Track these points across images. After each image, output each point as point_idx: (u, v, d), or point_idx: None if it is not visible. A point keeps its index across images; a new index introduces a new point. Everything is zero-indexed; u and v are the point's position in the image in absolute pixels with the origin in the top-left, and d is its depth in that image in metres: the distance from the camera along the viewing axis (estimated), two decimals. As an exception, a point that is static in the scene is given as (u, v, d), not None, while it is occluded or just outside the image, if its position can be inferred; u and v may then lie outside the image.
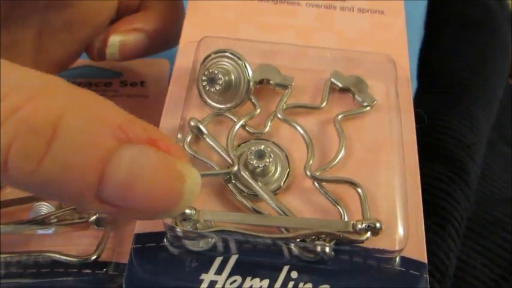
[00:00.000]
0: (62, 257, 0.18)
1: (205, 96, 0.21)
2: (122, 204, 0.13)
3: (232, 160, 0.19)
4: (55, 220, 0.19)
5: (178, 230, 0.17)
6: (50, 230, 0.20)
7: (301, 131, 0.20)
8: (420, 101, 0.28)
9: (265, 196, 0.19)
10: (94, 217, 0.21)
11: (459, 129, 0.26)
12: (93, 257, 0.19)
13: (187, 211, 0.17)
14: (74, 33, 0.25)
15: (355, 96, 0.22)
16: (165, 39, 0.26)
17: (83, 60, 0.29)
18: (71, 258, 0.19)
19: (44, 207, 0.21)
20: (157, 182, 0.13)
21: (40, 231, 0.20)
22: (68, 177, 0.13)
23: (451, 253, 0.22)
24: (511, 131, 0.31)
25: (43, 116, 0.12)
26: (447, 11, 0.34)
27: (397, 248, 0.18)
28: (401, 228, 0.18)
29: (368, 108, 0.21)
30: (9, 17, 0.22)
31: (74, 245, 0.20)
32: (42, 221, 0.19)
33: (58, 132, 0.12)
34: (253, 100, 0.21)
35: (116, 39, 0.25)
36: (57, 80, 0.14)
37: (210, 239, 0.18)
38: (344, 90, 0.22)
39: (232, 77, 0.20)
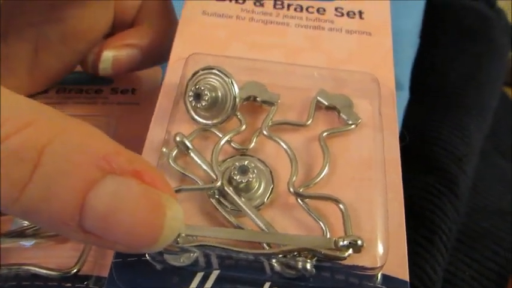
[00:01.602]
0: (41, 270, 0.18)
1: (191, 112, 0.21)
2: (103, 235, 0.13)
3: (216, 175, 0.19)
4: (36, 232, 0.19)
5: (159, 243, 0.17)
6: (31, 242, 0.20)
7: (286, 147, 0.20)
8: (413, 111, 0.28)
9: (248, 212, 0.19)
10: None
11: (450, 140, 0.26)
12: (74, 271, 0.19)
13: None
14: (70, 46, 0.25)
15: (341, 114, 0.22)
16: (159, 54, 0.26)
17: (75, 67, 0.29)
18: (50, 272, 0.18)
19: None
20: (138, 215, 0.13)
21: (22, 243, 0.20)
22: (49, 206, 0.13)
23: (438, 267, 0.22)
24: (506, 142, 0.30)
25: (30, 145, 0.13)
26: (443, 20, 0.34)
27: (378, 265, 0.18)
28: (381, 245, 0.18)
29: (353, 126, 0.22)
30: (6, 30, 0.23)
31: (55, 258, 0.19)
32: (23, 233, 0.19)
33: (42, 160, 0.13)
34: (239, 116, 0.21)
35: (109, 55, 0.25)
36: (47, 109, 0.14)
37: (191, 254, 0.18)
38: (330, 108, 0.22)
39: (219, 93, 0.21)
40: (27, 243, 0.19)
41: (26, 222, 0.20)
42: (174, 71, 0.22)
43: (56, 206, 0.13)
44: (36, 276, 0.19)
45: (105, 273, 0.18)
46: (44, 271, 0.18)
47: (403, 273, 0.18)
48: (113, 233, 0.13)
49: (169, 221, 0.14)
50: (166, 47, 0.25)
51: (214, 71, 0.21)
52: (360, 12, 0.27)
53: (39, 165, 0.13)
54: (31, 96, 0.28)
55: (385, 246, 0.18)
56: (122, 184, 0.13)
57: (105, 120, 0.26)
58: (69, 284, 0.19)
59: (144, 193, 0.13)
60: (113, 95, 0.28)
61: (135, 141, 0.18)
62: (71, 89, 0.28)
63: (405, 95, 0.29)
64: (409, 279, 0.18)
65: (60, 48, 0.25)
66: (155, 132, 0.21)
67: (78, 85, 0.28)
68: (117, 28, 0.27)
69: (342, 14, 0.27)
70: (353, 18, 0.27)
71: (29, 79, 0.26)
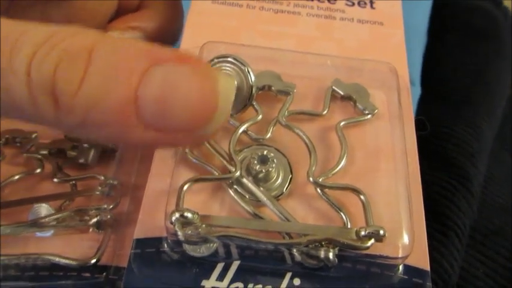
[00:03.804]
0: (61, 260, 0.18)
1: (207, 101, 0.20)
2: (163, 124, 0.14)
3: (234, 165, 0.19)
4: (54, 222, 0.19)
5: (179, 234, 0.17)
6: (49, 233, 0.19)
7: (304, 137, 0.20)
8: (424, 108, 0.28)
9: (267, 201, 0.19)
10: (95, 219, 0.20)
11: (463, 137, 0.26)
12: (93, 261, 0.18)
13: (189, 215, 0.17)
14: None
15: (357, 104, 0.22)
16: (163, 38, 0.26)
17: None
18: (70, 262, 0.18)
19: (43, 209, 0.21)
20: (192, 88, 0.14)
21: (39, 234, 0.19)
22: (106, 100, 0.13)
23: (454, 262, 0.22)
24: None
25: (79, 46, 0.14)
26: (451, 19, 0.34)
27: (400, 255, 0.18)
28: (405, 235, 0.18)
29: (369, 116, 0.21)
30: (9, 11, 0.22)
31: (73, 248, 0.19)
32: (41, 223, 0.19)
33: (93, 58, 0.14)
34: (255, 106, 0.21)
35: (112, 36, 0.25)
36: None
37: (211, 245, 0.18)
38: (345, 98, 0.22)
39: (235, 82, 0.20)
40: (46, 233, 0.19)
41: (43, 212, 0.19)
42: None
43: (113, 98, 0.14)
44: (54, 267, 0.18)
45: (124, 263, 0.18)
46: (64, 260, 0.18)
47: (423, 262, 0.18)
48: (171, 115, 0.14)
49: (223, 89, 0.14)
50: (172, 31, 0.24)
51: (229, 59, 0.20)
52: (371, 2, 0.27)
53: (91, 62, 0.14)
54: None
55: (410, 236, 0.18)
56: (170, 69, 0.14)
57: None
58: (88, 274, 0.19)
59: (192, 70, 0.14)
60: None
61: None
62: None
63: (417, 90, 0.29)
64: None
65: None
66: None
67: None
68: (122, 13, 0.26)
69: (353, 4, 0.26)
70: (364, 7, 0.26)
71: None
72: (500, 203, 0.26)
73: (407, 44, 0.25)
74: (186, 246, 0.18)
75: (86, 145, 0.24)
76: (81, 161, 0.24)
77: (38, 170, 0.24)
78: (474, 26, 0.33)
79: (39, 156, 0.24)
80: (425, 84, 0.30)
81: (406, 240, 0.18)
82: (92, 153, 0.24)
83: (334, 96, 0.22)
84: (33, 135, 0.25)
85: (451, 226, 0.22)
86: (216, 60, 0.21)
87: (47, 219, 0.19)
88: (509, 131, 0.31)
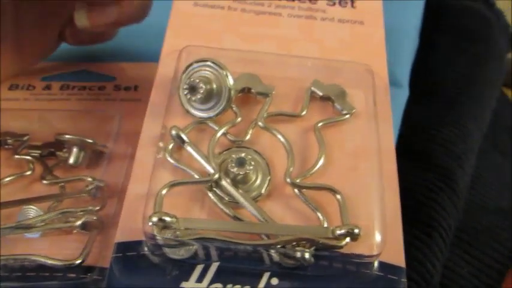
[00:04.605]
0: (47, 260, 0.18)
1: (186, 105, 0.21)
2: None
3: (213, 168, 0.19)
4: (42, 224, 0.20)
5: (158, 238, 0.17)
6: (37, 234, 0.20)
7: (282, 139, 0.20)
8: (412, 109, 0.28)
9: (246, 203, 0.19)
10: (80, 221, 0.21)
11: (449, 138, 0.26)
12: (78, 261, 0.19)
13: (168, 219, 0.17)
14: (49, 21, 0.25)
15: (335, 104, 0.22)
16: (136, 9, 0.25)
17: (78, 65, 0.30)
18: (55, 262, 0.19)
19: (32, 211, 0.21)
20: None
21: (27, 235, 0.20)
22: None
23: (437, 262, 0.22)
24: (504, 141, 0.31)
25: None
26: (443, 21, 0.34)
27: (375, 253, 0.18)
28: (378, 233, 0.18)
29: (347, 116, 0.22)
30: None
31: (60, 249, 0.20)
32: (29, 225, 0.19)
33: None
34: (234, 109, 0.21)
35: (83, 4, 0.25)
36: None
37: (191, 247, 0.18)
38: (324, 98, 0.22)
39: (214, 85, 0.21)
40: (34, 234, 0.19)
41: (32, 214, 0.20)
42: (167, 64, 0.22)
43: None
44: (41, 267, 0.19)
45: (108, 265, 0.18)
46: (50, 261, 0.19)
47: (399, 260, 0.18)
48: None
49: None
50: (145, 3, 0.24)
51: (208, 63, 0.21)
52: (352, 1, 0.27)
53: None
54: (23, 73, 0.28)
55: (382, 234, 0.18)
56: None
57: (110, 115, 0.26)
58: (73, 275, 0.19)
59: None
60: (115, 91, 0.28)
61: (138, 137, 0.19)
62: (74, 86, 0.28)
63: (405, 93, 0.29)
64: (408, 273, 0.18)
65: (39, 15, 0.25)
66: (149, 127, 0.21)
67: (81, 82, 0.29)
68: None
69: (334, 3, 0.27)
70: (345, 7, 0.27)
71: (16, 56, 0.25)
72: (488, 203, 0.26)
73: (398, 47, 0.25)
74: (166, 249, 0.18)
75: (76, 147, 0.25)
76: (72, 163, 0.25)
77: (29, 172, 0.25)
78: (466, 28, 0.33)
79: (30, 158, 0.25)
80: (415, 85, 0.31)
81: (378, 238, 0.18)
82: (82, 155, 0.25)
83: (313, 97, 0.23)
84: (25, 138, 0.25)
85: (435, 227, 0.23)
86: (195, 64, 0.21)
87: (34, 221, 0.19)
88: (501, 131, 0.31)
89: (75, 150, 0.25)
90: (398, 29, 0.26)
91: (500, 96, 0.32)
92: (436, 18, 0.34)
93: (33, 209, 0.21)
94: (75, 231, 0.21)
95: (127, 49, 0.31)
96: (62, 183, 0.24)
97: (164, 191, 0.18)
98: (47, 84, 0.29)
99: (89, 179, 0.24)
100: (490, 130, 0.29)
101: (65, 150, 0.25)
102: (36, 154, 0.25)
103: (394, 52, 0.25)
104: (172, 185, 0.18)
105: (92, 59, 0.31)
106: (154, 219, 0.17)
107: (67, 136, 0.25)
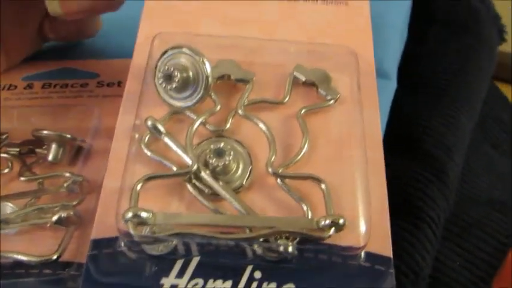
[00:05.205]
0: (22, 256, 0.18)
1: (162, 94, 0.20)
2: None
3: (191, 159, 0.18)
4: (18, 220, 0.19)
5: (134, 235, 0.16)
6: (13, 231, 0.20)
7: (263, 127, 0.20)
8: (401, 101, 0.28)
9: (227, 195, 0.18)
10: (56, 217, 0.20)
11: (439, 129, 0.26)
12: (54, 257, 0.19)
13: (144, 214, 0.17)
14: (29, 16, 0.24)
15: (319, 90, 0.21)
16: None
17: (60, 62, 0.29)
18: (31, 258, 0.18)
19: (8, 207, 0.21)
20: None
21: (3, 232, 0.19)
22: None
23: (427, 254, 0.22)
24: (495, 133, 0.31)
25: None
26: (432, 12, 0.33)
27: (361, 244, 0.17)
28: (363, 224, 0.18)
29: (332, 101, 0.21)
30: None
31: (37, 246, 0.19)
32: (5, 221, 0.19)
33: None
34: (213, 97, 0.20)
35: None
36: None
37: (170, 242, 0.17)
38: (307, 83, 0.22)
39: (190, 73, 0.20)
40: (10, 230, 0.19)
41: (8, 210, 0.19)
42: (142, 52, 0.21)
43: None
44: (17, 265, 0.19)
45: (86, 261, 0.18)
46: (25, 257, 0.18)
47: (386, 250, 0.18)
48: None
49: None
50: None
51: (183, 50, 0.20)
52: (335, -19, 0.26)
53: None
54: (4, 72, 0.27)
55: (367, 225, 0.17)
56: None
57: (89, 110, 0.26)
58: (49, 271, 0.19)
59: None
60: (98, 88, 0.28)
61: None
62: (56, 84, 0.28)
63: (393, 84, 0.29)
64: (397, 265, 0.17)
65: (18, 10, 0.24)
66: (125, 118, 0.20)
67: (63, 80, 0.28)
68: None
69: (317, -17, 0.26)
70: (329, -13, 0.25)
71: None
72: (479, 196, 0.26)
73: (386, 39, 0.24)
74: (144, 245, 0.17)
75: (55, 144, 0.24)
76: (51, 159, 0.24)
77: (6, 170, 0.24)
78: (455, 19, 0.33)
79: (8, 156, 0.24)
80: (404, 77, 0.30)
81: (363, 228, 0.17)
82: (61, 151, 0.24)
83: (296, 82, 0.22)
84: (4, 136, 0.25)
85: (424, 218, 0.22)
86: (170, 52, 0.20)
87: (9, 217, 0.19)
88: (492, 123, 0.30)
89: (53, 146, 0.24)
90: (388, 22, 0.25)
91: (490, 88, 0.31)
92: (425, 9, 0.33)
93: (8, 205, 0.21)
94: (48, 225, 0.20)
95: (111, 45, 0.30)
96: (40, 180, 0.24)
97: (139, 185, 0.17)
98: (28, 84, 0.28)
99: (67, 175, 0.23)
100: (481, 122, 0.29)
101: (44, 147, 0.24)
102: (14, 152, 0.25)
103: (382, 43, 0.24)
104: (148, 179, 0.18)
105: (75, 57, 0.30)
106: (129, 215, 0.16)
107: (45, 132, 0.24)
